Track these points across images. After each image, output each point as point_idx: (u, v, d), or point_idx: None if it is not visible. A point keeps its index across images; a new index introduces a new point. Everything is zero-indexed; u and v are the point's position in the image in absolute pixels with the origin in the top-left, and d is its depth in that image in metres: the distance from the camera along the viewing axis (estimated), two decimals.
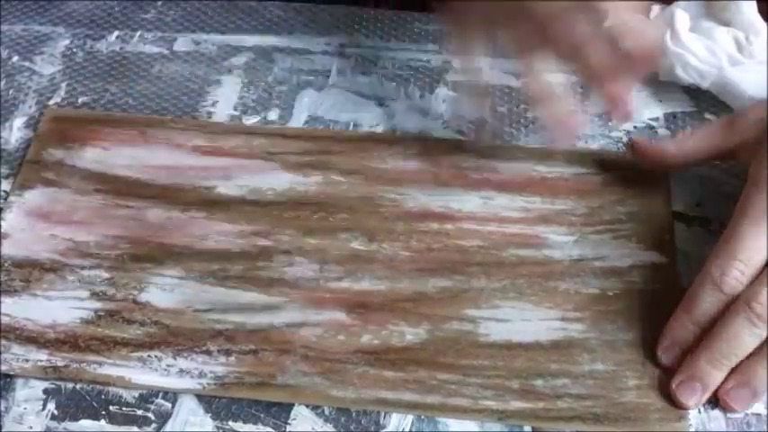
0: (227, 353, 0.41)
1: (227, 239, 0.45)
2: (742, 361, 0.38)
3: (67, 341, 0.41)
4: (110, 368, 0.40)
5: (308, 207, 0.46)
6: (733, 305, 0.38)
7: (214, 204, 0.46)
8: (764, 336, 0.38)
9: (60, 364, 0.41)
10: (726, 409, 0.39)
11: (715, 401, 0.39)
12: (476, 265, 0.43)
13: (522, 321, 0.41)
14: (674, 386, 0.39)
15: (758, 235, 0.38)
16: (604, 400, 0.39)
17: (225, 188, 0.47)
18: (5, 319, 0.42)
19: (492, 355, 0.41)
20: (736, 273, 0.38)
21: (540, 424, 0.39)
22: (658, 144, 0.46)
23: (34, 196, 0.46)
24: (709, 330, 0.39)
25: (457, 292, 0.42)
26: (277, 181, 0.47)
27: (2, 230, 0.45)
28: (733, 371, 0.38)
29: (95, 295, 0.43)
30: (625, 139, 0.48)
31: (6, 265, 0.44)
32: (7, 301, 0.43)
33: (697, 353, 0.39)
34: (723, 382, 0.38)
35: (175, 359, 0.41)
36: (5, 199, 0.46)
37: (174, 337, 0.41)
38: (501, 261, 0.43)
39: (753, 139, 0.42)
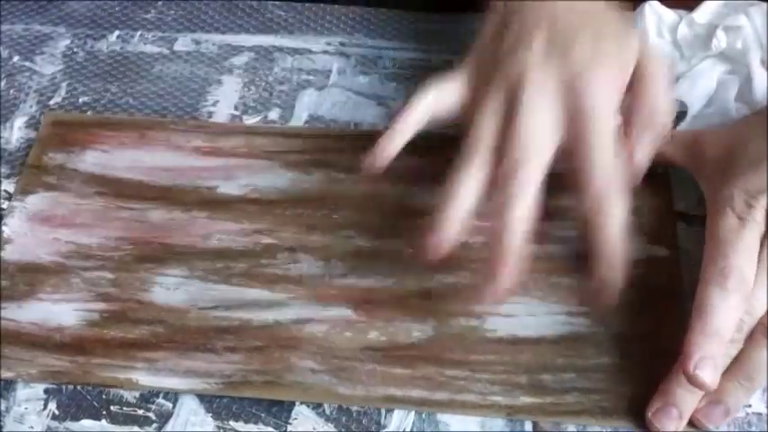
0: (233, 350, 0.41)
1: (229, 238, 0.45)
2: None
3: (73, 344, 0.41)
4: (116, 370, 0.40)
5: (311, 205, 0.46)
6: None
7: (216, 204, 0.46)
8: (732, 354, 0.38)
9: (67, 368, 0.40)
10: (699, 427, 0.38)
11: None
12: (480, 260, 0.43)
13: (528, 316, 0.42)
14: (649, 415, 0.38)
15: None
16: (612, 393, 0.39)
17: (226, 188, 0.46)
18: (11, 325, 0.42)
19: (499, 350, 0.41)
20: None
21: (548, 419, 0.39)
22: None
23: (36, 201, 0.46)
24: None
25: (462, 288, 0.42)
26: (278, 180, 0.47)
27: (5, 236, 0.45)
28: None
29: (100, 297, 0.43)
30: None
31: (10, 270, 0.44)
32: (12, 305, 0.43)
33: (669, 379, 0.38)
34: None
35: (181, 358, 0.40)
36: (9, 200, 0.46)
37: (180, 335, 0.41)
38: None
39: (711, 162, 0.42)
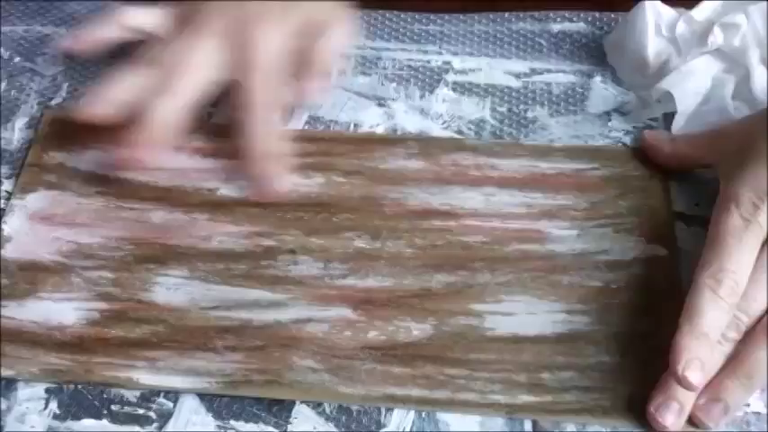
0: (234, 349, 0.41)
1: (230, 240, 0.45)
2: (713, 377, 0.38)
3: (74, 343, 0.41)
4: (117, 369, 0.40)
5: (311, 208, 0.46)
6: None
7: (217, 206, 0.46)
8: (728, 352, 0.39)
9: (68, 366, 0.40)
10: (699, 425, 0.38)
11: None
12: (480, 260, 0.44)
13: (527, 315, 0.42)
14: (651, 409, 0.38)
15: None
16: (612, 392, 0.39)
17: (227, 190, 0.47)
18: (12, 323, 0.42)
19: (498, 349, 0.41)
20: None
21: (548, 418, 0.39)
22: (660, 143, 0.47)
23: (36, 199, 0.46)
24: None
25: (462, 288, 0.43)
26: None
27: (5, 234, 0.45)
28: (704, 387, 0.38)
29: (100, 296, 0.43)
30: (624, 140, 0.48)
31: (10, 268, 0.44)
32: (12, 304, 0.43)
33: (669, 374, 0.38)
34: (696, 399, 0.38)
35: (182, 357, 0.41)
36: (8, 200, 0.46)
37: (181, 334, 0.41)
38: (505, 256, 0.44)
39: (730, 156, 0.42)
